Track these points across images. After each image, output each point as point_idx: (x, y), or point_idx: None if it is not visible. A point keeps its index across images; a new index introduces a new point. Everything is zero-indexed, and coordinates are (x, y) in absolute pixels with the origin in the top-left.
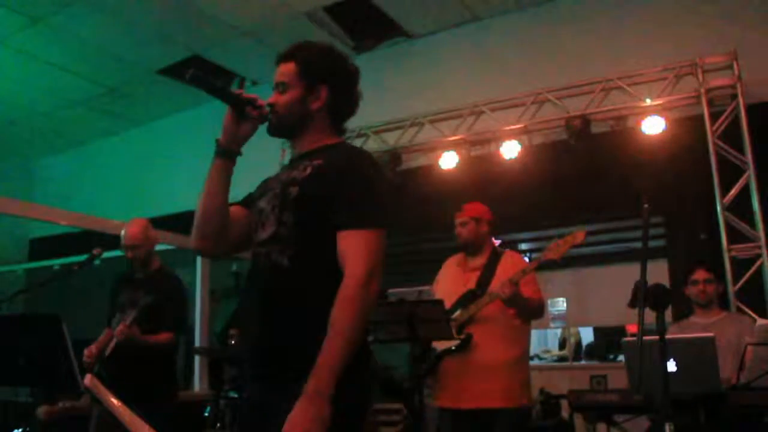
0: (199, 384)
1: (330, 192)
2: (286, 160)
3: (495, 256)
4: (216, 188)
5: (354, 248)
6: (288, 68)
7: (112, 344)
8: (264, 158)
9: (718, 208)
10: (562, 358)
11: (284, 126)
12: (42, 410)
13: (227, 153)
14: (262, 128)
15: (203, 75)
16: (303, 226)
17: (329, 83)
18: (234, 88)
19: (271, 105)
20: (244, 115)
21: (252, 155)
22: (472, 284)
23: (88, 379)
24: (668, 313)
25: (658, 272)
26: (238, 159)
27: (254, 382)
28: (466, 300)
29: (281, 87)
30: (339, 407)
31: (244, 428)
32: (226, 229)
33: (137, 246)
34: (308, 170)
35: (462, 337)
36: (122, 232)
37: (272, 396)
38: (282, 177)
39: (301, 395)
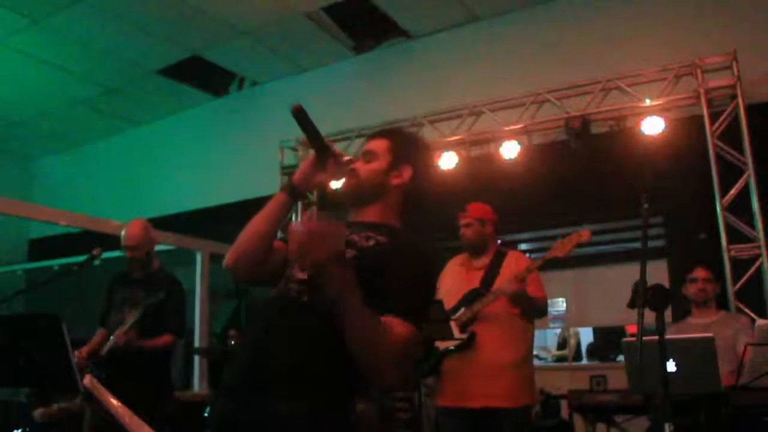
0: (198, 384)
1: (386, 271)
2: (286, 160)
3: (499, 256)
4: (272, 217)
5: (398, 331)
6: (380, 143)
7: (109, 345)
8: (263, 156)
9: (718, 209)
10: (561, 358)
11: (356, 193)
12: (38, 412)
13: (295, 193)
14: (261, 124)
15: (305, 114)
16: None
17: (414, 165)
18: (327, 140)
19: (352, 168)
20: (325, 164)
21: (251, 153)
22: (476, 283)
23: (87, 380)
24: (668, 314)
25: (658, 272)
26: (237, 158)
27: (234, 401)
28: (470, 298)
29: (368, 156)
30: None
31: None
32: (264, 258)
33: (137, 246)
34: (371, 242)
35: (465, 335)
36: (122, 233)
37: (250, 412)
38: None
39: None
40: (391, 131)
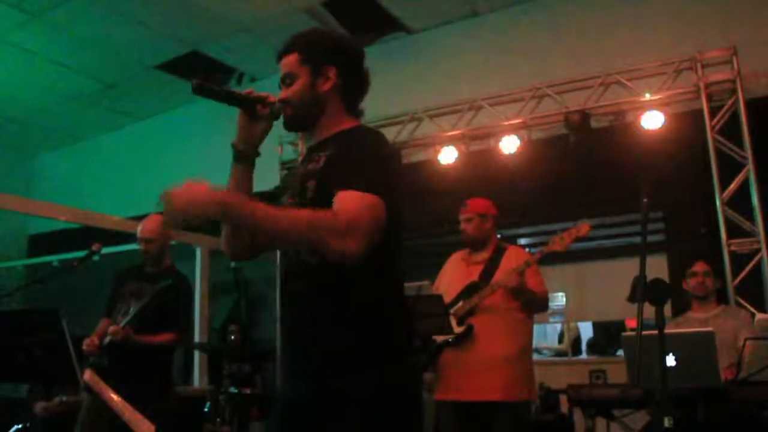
0: (198, 379)
1: (336, 165)
2: (285, 155)
3: (499, 251)
4: (235, 192)
5: (342, 202)
6: (290, 59)
7: (107, 337)
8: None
9: (718, 203)
10: (560, 353)
11: (299, 117)
12: (39, 406)
13: (245, 157)
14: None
15: (207, 84)
16: None
17: (335, 62)
18: (241, 89)
19: (282, 100)
20: (256, 115)
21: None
22: (475, 277)
23: (87, 375)
24: (667, 308)
25: (657, 267)
26: (231, 155)
27: (296, 379)
28: (469, 291)
29: (288, 79)
30: (382, 409)
31: (287, 428)
32: (255, 233)
33: (152, 239)
34: (322, 161)
35: (463, 328)
36: (139, 227)
37: (319, 396)
38: (300, 171)
39: None
40: (293, 42)
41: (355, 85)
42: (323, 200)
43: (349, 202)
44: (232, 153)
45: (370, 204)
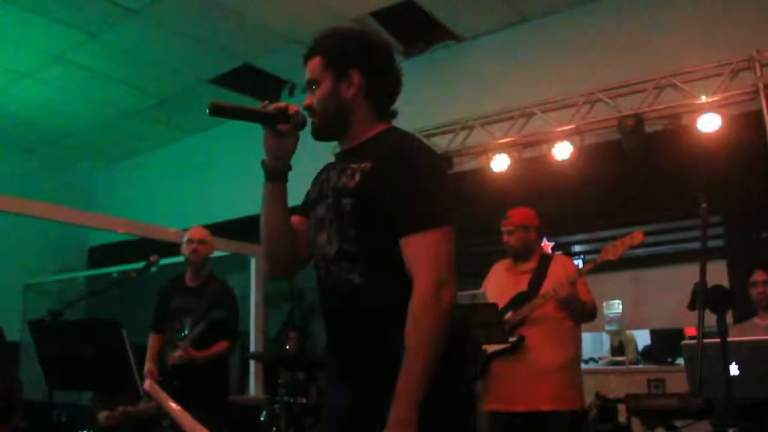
0: (254, 388)
1: (384, 199)
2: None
3: (545, 259)
4: (274, 214)
5: (417, 256)
6: (313, 63)
7: (172, 359)
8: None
9: None
10: (617, 362)
11: (326, 126)
12: (102, 415)
13: (277, 175)
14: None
15: (222, 105)
16: (367, 241)
17: (359, 64)
18: (258, 105)
19: (307, 107)
20: (279, 128)
21: (302, 159)
22: (523, 286)
23: (147, 384)
24: (729, 315)
25: (717, 273)
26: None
27: (339, 396)
28: (518, 302)
29: (312, 85)
30: (432, 427)
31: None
32: (295, 249)
33: (205, 241)
34: (357, 177)
35: (514, 339)
36: (187, 234)
37: (363, 413)
38: (333, 183)
39: (387, 424)
40: (317, 43)
41: (383, 86)
42: (362, 220)
43: (423, 255)
44: (264, 172)
45: (444, 244)
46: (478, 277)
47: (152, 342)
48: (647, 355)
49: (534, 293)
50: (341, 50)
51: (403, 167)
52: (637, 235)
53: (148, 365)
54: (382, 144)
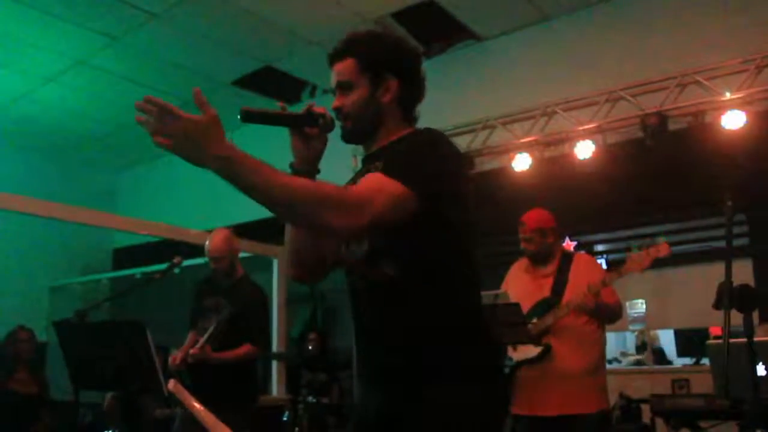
0: (276, 389)
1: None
2: (359, 167)
3: (566, 261)
4: None
5: (362, 182)
6: (346, 65)
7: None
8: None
9: None
10: (640, 362)
11: (359, 131)
12: (159, 412)
13: (304, 176)
14: (333, 131)
15: (253, 110)
16: (395, 237)
17: (396, 72)
18: (315, 102)
19: (337, 109)
20: (307, 131)
21: (325, 160)
22: (546, 291)
23: (171, 384)
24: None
25: (743, 272)
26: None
27: (370, 395)
28: (542, 309)
29: (344, 87)
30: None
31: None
32: (320, 252)
33: (220, 257)
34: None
35: (540, 348)
36: (206, 244)
37: (393, 413)
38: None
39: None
40: (349, 45)
41: (414, 93)
42: None
43: (368, 182)
44: (291, 173)
45: (390, 191)
46: (499, 276)
47: (189, 340)
48: (672, 354)
49: (557, 300)
50: (377, 55)
51: (405, 143)
52: (662, 247)
53: (172, 356)
54: (398, 144)
